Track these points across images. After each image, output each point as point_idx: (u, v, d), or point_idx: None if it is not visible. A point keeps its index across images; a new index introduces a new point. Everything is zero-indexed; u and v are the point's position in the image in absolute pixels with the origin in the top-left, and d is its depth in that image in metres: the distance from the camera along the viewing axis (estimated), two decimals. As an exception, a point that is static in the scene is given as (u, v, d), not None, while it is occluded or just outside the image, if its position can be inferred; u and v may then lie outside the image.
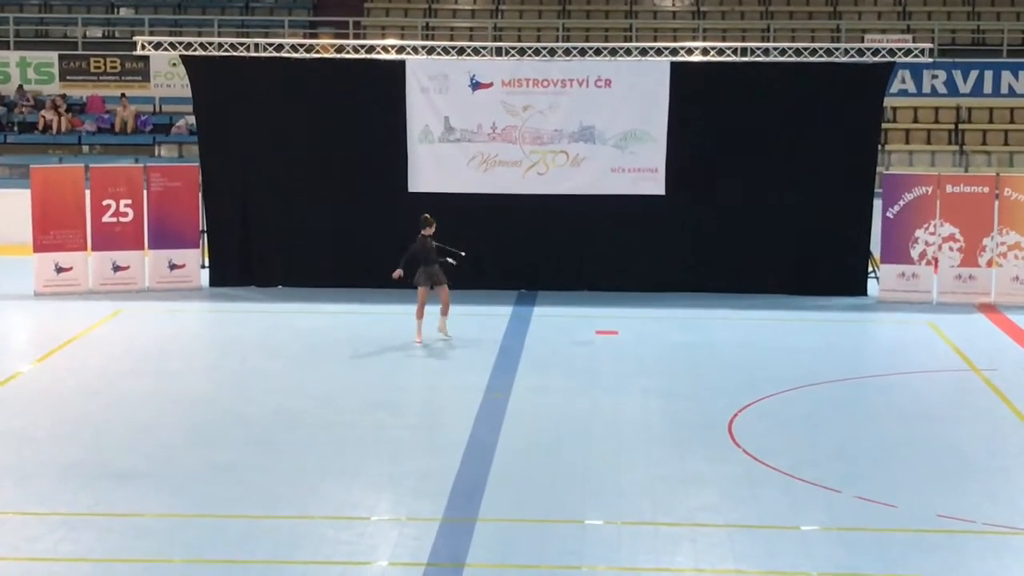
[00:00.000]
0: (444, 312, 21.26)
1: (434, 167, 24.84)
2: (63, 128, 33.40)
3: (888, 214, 24.44)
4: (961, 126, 33.01)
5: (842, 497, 14.28)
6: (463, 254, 21.23)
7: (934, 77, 33.31)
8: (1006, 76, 33.49)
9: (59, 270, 24.57)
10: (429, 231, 20.87)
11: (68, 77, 34.61)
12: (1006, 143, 32.80)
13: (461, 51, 25.04)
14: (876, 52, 24.30)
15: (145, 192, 24.92)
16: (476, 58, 24.91)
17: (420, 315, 21.06)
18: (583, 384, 18.84)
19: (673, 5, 37.43)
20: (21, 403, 17.70)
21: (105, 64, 34.60)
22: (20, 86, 34.30)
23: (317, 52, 25.25)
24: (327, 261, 25.21)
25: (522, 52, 24.99)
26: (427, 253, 20.89)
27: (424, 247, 20.86)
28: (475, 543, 12.95)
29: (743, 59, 24.40)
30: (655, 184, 24.71)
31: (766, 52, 24.45)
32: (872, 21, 35.77)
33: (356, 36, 34.09)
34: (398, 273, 20.81)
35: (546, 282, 25.24)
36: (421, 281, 20.96)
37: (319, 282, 25.08)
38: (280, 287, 25.35)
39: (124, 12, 37.43)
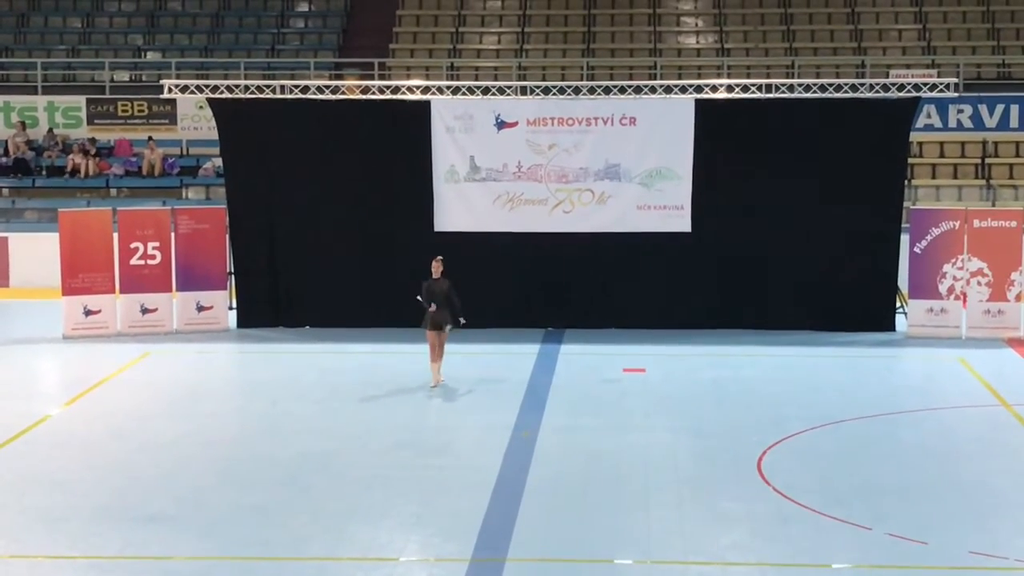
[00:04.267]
0: (435, 358, 20.94)
1: (460, 206, 24.89)
2: (91, 172, 33.57)
3: (916, 249, 24.38)
4: (988, 160, 32.92)
5: (873, 535, 14.20)
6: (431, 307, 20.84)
7: (960, 111, 33.25)
8: (1032, 110, 33.46)
9: (87, 313, 24.67)
10: (435, 271, 20.81)
11: (96, 121, 34.80)
12: (1033, 176, 32.74)
13: (486, 90, 25.11)
14: (901, 87, 24.28)
15: (173, 234, 25.03)
16: (501, 97, 24.98)
17: (432, 358, 20.88)
18: (611, 422, 18.79)
19: (697, 42, 37.50)
20: (50, 446, 17.74)
21: (132, 108, 34.80)
22: (50, 130, 34.52)
23: (343, 93, 25.35)
24: (354, 302, 25.23)
25: (547, 91, 25.04)
26: (431, 295, 20.73)
27: (429, 289, 20.76)
28: (505, 584, 12.93)
29: (768, 95, 24.40)
30: (681, 221, 24.71)
31: (791, 88, 24.44)
32: (897, 56, 35.76)
33: (381, 77, 34.23)
34: (432, 308, 20.71)
35: (573, 320, 25.23)
36: (424, 324, 20.83)
37: (346, 322, 25.11)
38: (307, 328, 25.39)
39: (151, 56, 37.68)
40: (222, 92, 25.09)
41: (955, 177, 32.70)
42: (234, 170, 25.65)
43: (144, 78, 36.54)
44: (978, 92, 33.65)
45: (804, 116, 24.58)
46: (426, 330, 20.80)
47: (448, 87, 25.33)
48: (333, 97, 24.99)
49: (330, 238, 25.16)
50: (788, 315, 24.90)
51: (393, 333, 24.19)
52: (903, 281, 24.78)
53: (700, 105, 24.57)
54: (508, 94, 25.13)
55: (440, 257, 20.96)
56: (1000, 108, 33.31)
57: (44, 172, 33.97)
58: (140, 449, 17.54)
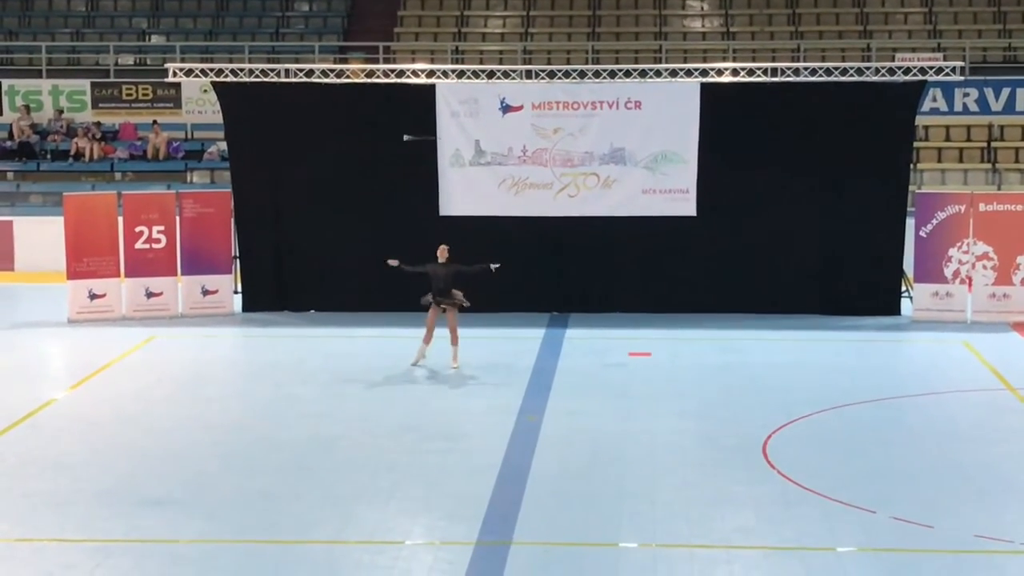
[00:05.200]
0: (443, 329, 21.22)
1: (465, 191, 24.86)
2: (96, 155, 33.56)
3: (921, 233, 24.35)
4: (993, 144, 32.87)
5: (878, 518, 14.20)
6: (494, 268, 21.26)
7: (965, 95, 33.19)
8: (1038, 93, 33.40)
9: (92, 297, 24.68)
10: (441, 258, 20.91)
11: (100, 105, 34.79)
12: (1039, 160, 32.70)
13: (491, 74, 25.08)
14: (907, 71, 24.23)
15: (178, 218, 25.02)
16: (506, 81, 24.95)
17: (425, 339, 21.15)
18: (617, 406, 18.80)
19: (703, 26, 37.44)
20: (56, 430, 17.76)
21: (137, 91, 34.78)
22: (60, 111, 34.50)
23: (347, 77, 25.32)
24: (359, 286, 25.21)
25: (552, 75, 25.01)
26: (436, 279, 20.89)
27: (433, 272, 20.90)
28: (510, 567, 12.92)
29: (773, 79, 24.37)
30: (687, 205, 24.67)
31: (796, 72, 24.40)
32: (903, 40, 35.68)
33: (386, 60, 34.19)
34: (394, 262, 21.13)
35: (578, 304, 25.22)
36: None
37: (351, 307, 25.12)
38: (312, 312, 25.40)
39: (155, 39, 37.66)
40: (227, 76, 25.06)
41: (961, 161, 32.65)
42: (239, 154, 25.64)
43: (149, 62, 36.52)
44: (984, 76, 33.61)
45: (810, 100, 24.53)
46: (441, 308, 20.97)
47: (453, 71, 25.28)
48: (338, 81, 24.97)
49: (335, 222, 25.13)
50: (793, 299, 24.88)
51: (398, 317, 24.16)
52: (908, 265, 24.75)
53: (705, 89, 24.53)
54: (513, 78, 25.10)
55: (446, 246, 21.02)
56: (1006, 92, 33.24)
57: (49, 156, 33.95)
58: (145, 433, 17.56)
